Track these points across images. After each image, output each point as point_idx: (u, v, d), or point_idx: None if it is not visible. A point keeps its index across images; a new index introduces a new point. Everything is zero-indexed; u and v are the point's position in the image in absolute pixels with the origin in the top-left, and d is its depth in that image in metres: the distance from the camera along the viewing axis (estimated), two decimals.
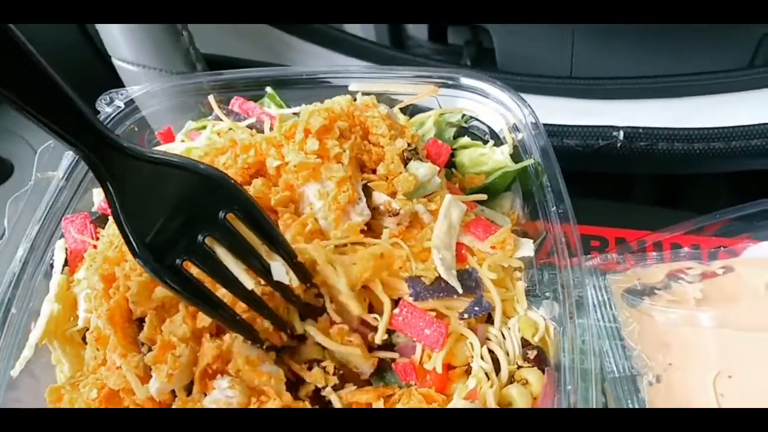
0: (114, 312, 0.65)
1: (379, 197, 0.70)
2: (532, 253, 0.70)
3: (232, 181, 0.59)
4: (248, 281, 0.59)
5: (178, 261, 0.56)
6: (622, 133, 1.07)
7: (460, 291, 0.66)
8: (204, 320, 0.63)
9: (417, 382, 0.65)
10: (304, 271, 0.64)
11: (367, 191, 0.70)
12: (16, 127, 1.34)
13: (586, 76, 1.17)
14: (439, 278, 0.66)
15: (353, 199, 0.67)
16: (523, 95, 1.16)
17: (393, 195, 0.70)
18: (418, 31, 1.39)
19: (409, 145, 0.74)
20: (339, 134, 0.70)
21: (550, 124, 1.09)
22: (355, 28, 1.34)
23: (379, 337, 0.64)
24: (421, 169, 0.73)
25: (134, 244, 0.54)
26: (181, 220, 0.56)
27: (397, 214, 0.68)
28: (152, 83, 0.90)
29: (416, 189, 0.71)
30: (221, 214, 0.57)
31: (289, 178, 0.68)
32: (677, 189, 1.15)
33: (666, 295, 0.81)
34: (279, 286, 0.62)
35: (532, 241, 0.71)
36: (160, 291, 0.64)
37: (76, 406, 0.67)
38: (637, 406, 0.73)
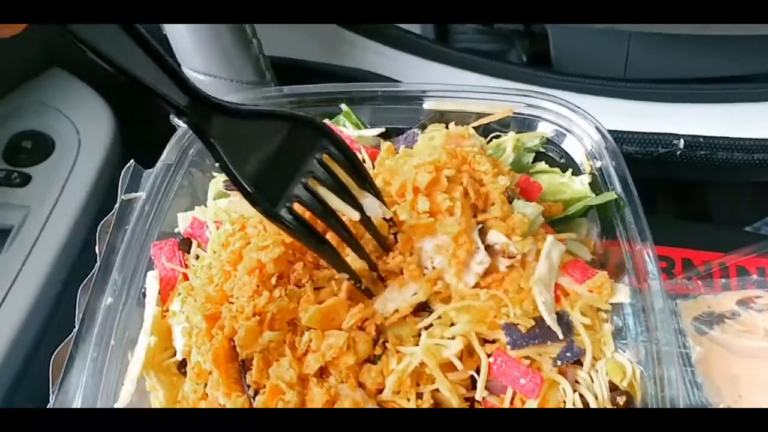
0: (218, 353, 0.66)
1: (496, 237, 0.71)
2: (628, 300, 0.71)
3: (322, 123, 0.63)
4: (354, 213, 0.63)
5: (288, 203, 0.59)
6: (682, 141, 1.07)
7: (561, 337, 0.68)
8: (310, 366, 0.65)
9: None
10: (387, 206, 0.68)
11: (481, 230, 0.72)
12: (55, 101, 1.30)
13: (642, 78, 1.16)
14: (535, 326, 0.68)
15: (471, 251, 0.68)
16: (578, 95, 1.17)
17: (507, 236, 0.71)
18: None
19: (510, 182, 0.75)
20: (447, 183, 0.70)
21: (609, 130, 1.09)
22: None
23: (479, 395, 0.66)
24: (528, 209, 0.74)
25: (252, 194, 0.57)
26: (284, 165, 0.60)
27: (514, 256, 0.69)
28: (223, 96, 0.90)
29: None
30: (318, 155, 0.61)
31: (405, 237, 0.70)
32: (737, 202, 1.16)
33: (735, 325, 0.83)
34: (368, 225, 0.66)
35: (629, 287, 0.71)
36: (268, 335, 0.65)
37: None
38: None
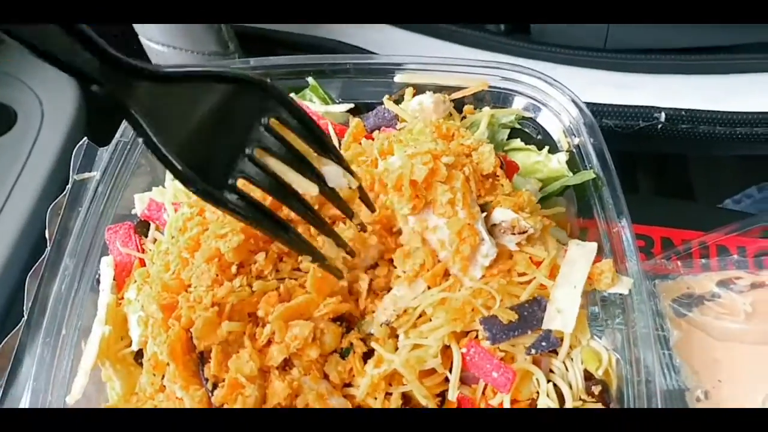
0: (174, 345, 0.63)
1: (504, 214, 0.68)
2: (627, 292, 0.68)
3: (268, 81, 0.53)
4: (312, 187, 0.54)
5: (231, 180, 0.50)
6: (663, 114, 1.03)
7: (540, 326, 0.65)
8: (273, 358, 0.62)
9: None
10: (353, 174, 0.59)
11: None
12: (19, 72, 1.24)
13: (623, 48, 1.12)
14: (517, 320, 0.65)
15: (475, 245, 0.65)
16: (557, 66, 1.13)
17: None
18: None
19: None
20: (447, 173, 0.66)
21: (589, 103, 1.06)
22: None
23: (452, 395, 0.63)
24: (528, 185, 0.72)
25: (183, 172, 0.47)
26: (225, 135, 0.50)
27: (524, 232, 0.67)
28: None
29: None
30: (264, 120, 0.52)
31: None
32: (718, 177, 1.13)
33: (715, 307, 0.81)
34: (333, 196, 0.57)
35: (631, 280, 0.68)
36: (226, 326, 0.62)
37: None
38: None
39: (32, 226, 1.01)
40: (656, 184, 1.08)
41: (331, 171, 0.56)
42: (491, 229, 0.68)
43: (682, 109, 1.03)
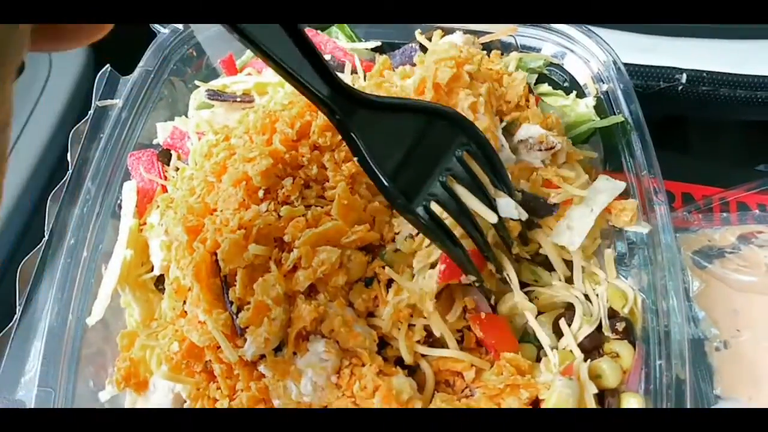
0: (199, 267, 0.62)
1: (530, 130, 0.68)
2: (646, 231, 0.68)
3: (461, 116, 0.60)
4: (492, 216, 0.60)
5: (425, 201, 0.57)
6: (685, 76, 1.02)
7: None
8: (299, 283, 0.61)
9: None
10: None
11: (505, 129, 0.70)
12: None
13: None
14: None
15: (497, 149, 0.65)
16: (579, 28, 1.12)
17: None
18: None
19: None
20: (469, 80, 0.66)
21: None
22: None
23: None
24: (552, 110, 0.72)
25: (390, 190, 0.56)
26: (423, 161, 0.58)
27: (552, 148, 0.67)
28: None
29: None
30: (458, 153, 0.59)
31: None
32: (739, 140, 1.13)
33: (736, 260, 0.81)
34: (501, 227, 0.63)
35: (650, 227, 0.68)
36: (253, 249, 0.61)
37: (150, 356, 0.66)
38: (703, 371, 0.75)
39: (41, 169, 1.01)
40: (677, 143, 1.07)
41: (504, 203, 0.62)
42: (517, 146, 0.68)
43: (703, 71, 1.02)
